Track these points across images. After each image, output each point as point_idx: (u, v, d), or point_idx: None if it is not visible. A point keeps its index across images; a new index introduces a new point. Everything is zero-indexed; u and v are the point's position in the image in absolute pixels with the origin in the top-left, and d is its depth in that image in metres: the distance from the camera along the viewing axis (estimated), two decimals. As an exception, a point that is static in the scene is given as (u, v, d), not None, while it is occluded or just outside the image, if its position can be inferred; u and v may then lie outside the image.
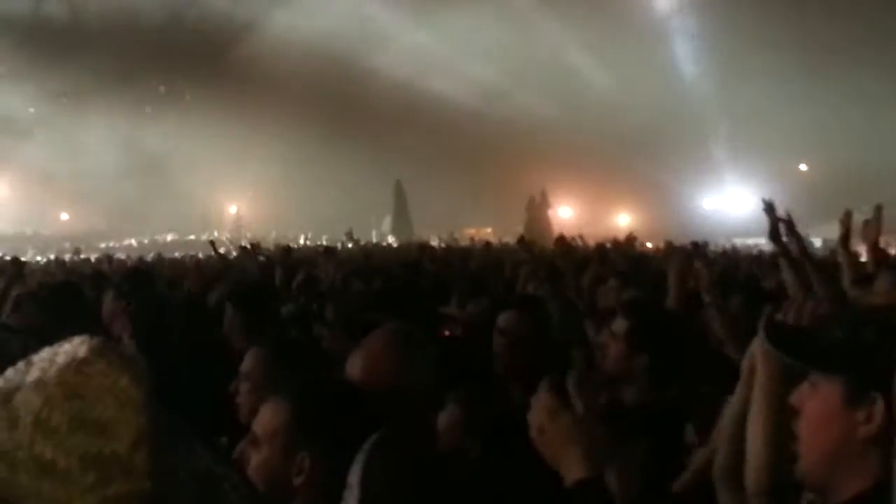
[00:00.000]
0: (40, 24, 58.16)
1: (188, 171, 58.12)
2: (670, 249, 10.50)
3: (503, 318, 4.28)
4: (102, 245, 46.84)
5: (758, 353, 2.41)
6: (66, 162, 54.33)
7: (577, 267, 8.18)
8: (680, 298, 5.29)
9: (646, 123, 50.93)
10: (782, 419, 2.03)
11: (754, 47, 48.92)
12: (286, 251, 10.88)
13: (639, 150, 51.44)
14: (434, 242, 26.16)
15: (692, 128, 53.19)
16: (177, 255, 27.26)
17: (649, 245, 22.58)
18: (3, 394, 1.52)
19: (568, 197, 57.99)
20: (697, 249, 8.76)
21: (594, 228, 37.57)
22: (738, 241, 29.31)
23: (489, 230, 52.84)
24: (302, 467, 2.42)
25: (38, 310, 5.65)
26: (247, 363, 3.58)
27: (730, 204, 50.72)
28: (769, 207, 5.29)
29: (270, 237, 38.77)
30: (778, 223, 5.26)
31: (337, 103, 55.72)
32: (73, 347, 1.57)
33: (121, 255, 28.25)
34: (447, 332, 5.46)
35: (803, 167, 54.76)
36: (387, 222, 58.54)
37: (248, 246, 10.97)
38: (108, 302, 5.92)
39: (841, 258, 5.88)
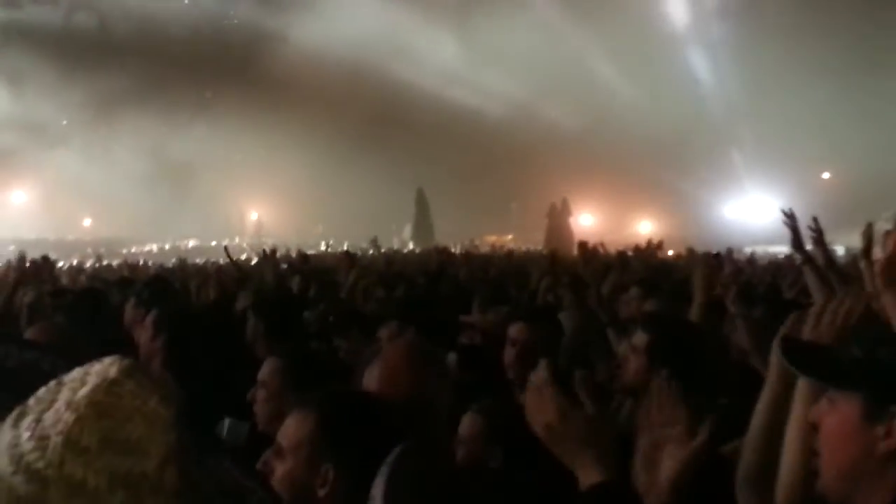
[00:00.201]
0: (69, 35, 58.65)
1: (210, 177, 58.42)
2: (693, 257, 10.43)
3: (513, 328, 4.42)
4: (124, 251, 47.05)
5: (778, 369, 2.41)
6: (90, 168, 54.61)
7: (599, 275, 8.15)
8: (703, 310, 5.26)
9: (668, 131, 50.78)
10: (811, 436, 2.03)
11: (777, 57, 48.77)
12: (303, 258, 10.88)
13: (660, 157, 51.29)
14: (455, 250, 26.13)
15: (714, 136, 53.01)
16: (199, 261, 27.33)
17: (671, 252, 22.49)
18: (34, 413, 1.54)
19: (589, 204, 57.82)
20: (720, 260, 8.70)
21: (615, 236, 37.42)
22: (760, 249, 29.13)
23: (510, 237, 52.82)
24: (326, 479, 2.43)
25: (62, 318, 5.69)
26: (263, 372, 3.63)
27: (752, 212, 50.42)
28: (791, 218, 5.28)
29: (291, 243, 38.88)
30: (799, 233, 5.25)
31: (360, 112, 55.95)
32: (104, 368, 1.59)
33: (142, 261, 28.36)
34: (467, 340, 5.47)
35: (826, 175, 54.47)
36: (407, 229, 58.54)
37: (269, 252, 10.98)
38: (129, 309, 5.95)
39: (863, 270, 5.85)
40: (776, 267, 16.24)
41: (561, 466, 2.14)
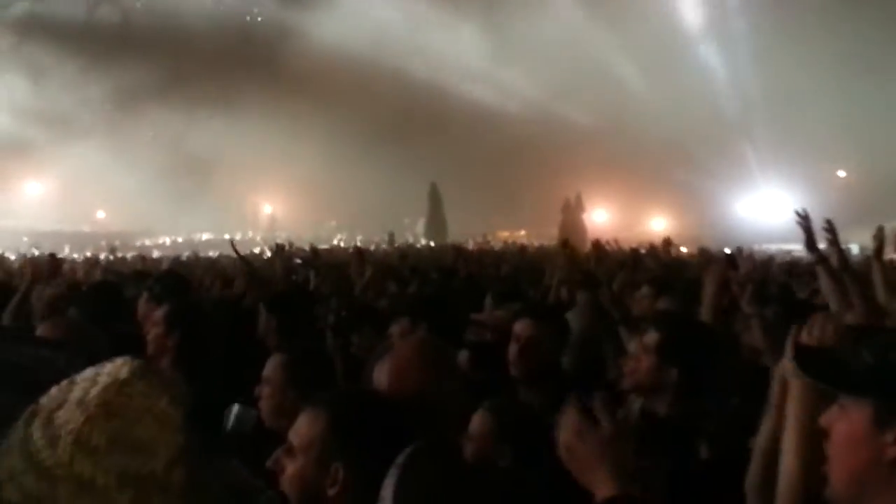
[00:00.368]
0: (89, 28, 58.91)
1: (224, 171, 58.51)
2: (706, 257, 10.42)
3: (517, 325, 4.41)
4: (138, 243, 47.26)
5: (787, 375, 2.41)
6: (105, 161, 54.77)
7: (612, 272, 8.14)
8: (716, 312, 5.25)
9: (682, 128, 50.61)
10: (814, 441, 2.03)
11: (792, 55, 48.56)
12: (314, 254, 10.90)
13: (675, 153, 51.18)
14: (468, 245, 26.16)
15: (729, 133, 52.86)
16: (212, 254, 27.44)
17: (684, 250, 22.45)
18: (45, 412, 1.56)
19: (602, 200, 57.72)
20: (733, 261, 8.68)
21: (629, 232, 37.40)
22: (774, 248, 29.06)
23: (523, 233, 52.79)
24: (336, 478, 2.43)
25: (76, 313, 5.71)
26: (267, 368, 3.65)
27: (766, 209, 50.25)
28: (804, 218, 5.26)
29: (305, 237, 39.01)
30: (813, 233, 5.23)
31: (374, 106, 55.92)
32: (116, 368, 1.61)
33: (156, 254, 28.50)
34: (475, 337, 5.47)
35: (841, 173, 54.28)
36: (421, 224, 58.58)
37: (282, 246, 10.99)
38: (142, 304, 5.97)
39: (875, 270, 5.83)
40: (790, 265, 16.19)
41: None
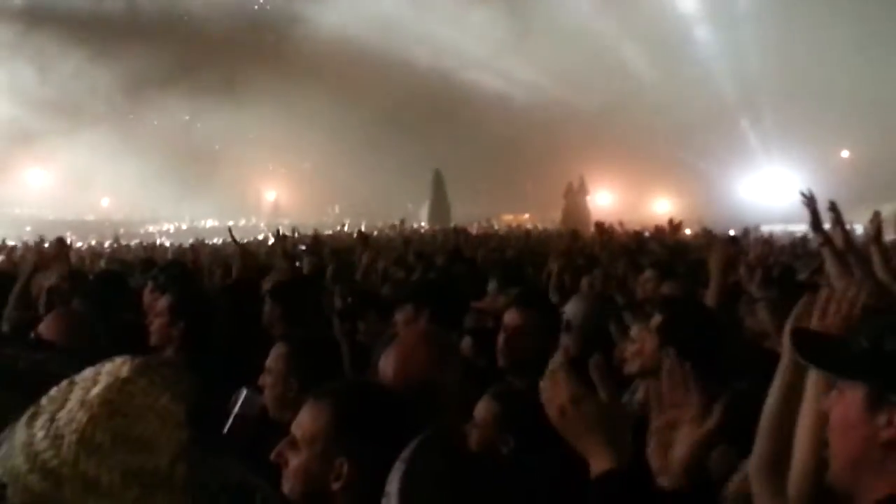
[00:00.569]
0: (94, 16, 58.79)
1: (228, 157, 58.51)
2: (710, 239, 10.39)
3: (506, 315, 4.39)
4: (142, 231, 47.24)
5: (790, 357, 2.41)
6: (108, 149, 54.69)
7: (616, 256, 8.14)
8: (721, 295, 5.25)
9: (685, 109, 50.50)
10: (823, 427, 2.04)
11: (795, 34, 48.42)
12: (316, 240, 10.88)
13: (677, 135, 51.09)
14: (471, 230, 26.13)
15: (732, 114, 52.71)
16: (216, 241, 27.44)
17: (688, 231, 22.42)
18: (47, 413, 1.56)
19: (606, 183, 57.54)
20: (737, 243, 8.67)
21: (632, 215, 37.31)
22: (778, 228, 28.98)
23: (526, 216, 52.75)
24: (340, 472, 2.43)
25: (81, 303, 5.71)
26: (270, 358, 3.65)
27: (769, 190, 50.09)
28: (810, 199, 5.25)
29: (308, 224, 38.98)
30: (818, 214, 5.21)
31: (378, 93, 55.84)
32: (116, 367, 1.62)
33: (160, 241, 28.49)
34: (474, 324, 5.46)
35: (845, 154, 54.14)
36: (424, 209, 58.51)
37: (284, 235, 10.98)
38: (147, 294, 5.98)
39: (874, 254, 5.81)
40: (793, 246, 16.17)
41: (573, 454, 2.14)
